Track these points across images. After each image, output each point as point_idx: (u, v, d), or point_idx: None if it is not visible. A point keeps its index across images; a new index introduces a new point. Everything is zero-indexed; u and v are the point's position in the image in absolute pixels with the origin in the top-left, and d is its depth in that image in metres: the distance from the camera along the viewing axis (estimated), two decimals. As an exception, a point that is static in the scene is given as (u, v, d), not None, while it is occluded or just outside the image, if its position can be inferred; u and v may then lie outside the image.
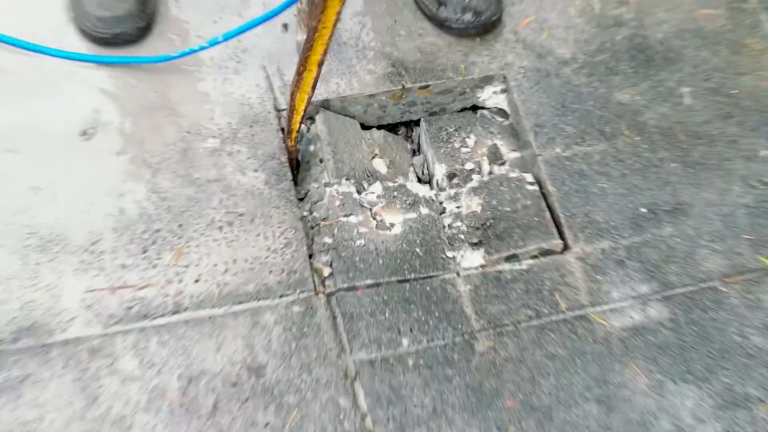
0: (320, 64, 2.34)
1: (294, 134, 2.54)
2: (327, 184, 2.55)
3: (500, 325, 2.36)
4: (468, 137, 2.80)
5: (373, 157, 2.72)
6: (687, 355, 2.34)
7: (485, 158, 2.75)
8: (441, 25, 2.87)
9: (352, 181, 2.57)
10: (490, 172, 2.72)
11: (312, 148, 2.66)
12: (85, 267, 2.34)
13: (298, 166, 2.67)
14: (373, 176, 2.64)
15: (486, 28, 2.87)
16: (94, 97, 2.63)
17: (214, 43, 2.63)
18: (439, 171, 2.72)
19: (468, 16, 2.83)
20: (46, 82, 2.64)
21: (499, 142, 2.79)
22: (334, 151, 2.61)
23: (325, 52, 2.30)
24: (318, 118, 2.68)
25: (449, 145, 2.78)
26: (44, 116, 2.58)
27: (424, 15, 2.91)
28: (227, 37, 2.64)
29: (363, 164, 2.65)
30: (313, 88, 2.40)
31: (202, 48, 2.65)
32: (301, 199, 2.57)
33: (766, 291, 2.46)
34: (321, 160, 2.61)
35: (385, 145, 2.78)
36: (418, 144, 2.89)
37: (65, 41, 2.71)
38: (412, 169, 2.81)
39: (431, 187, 2.74)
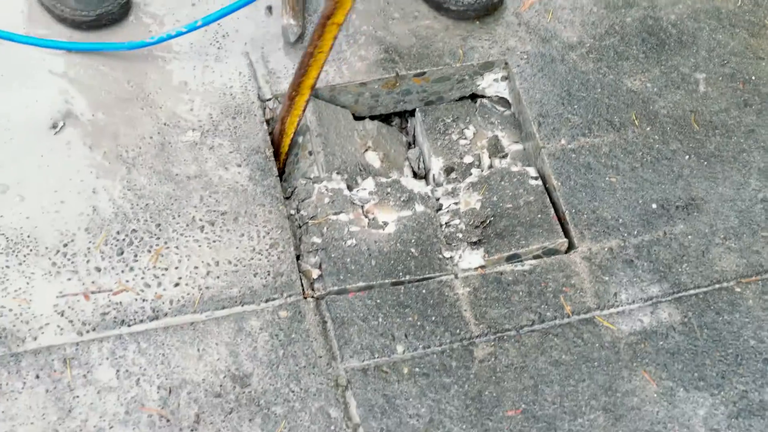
0: (313, 87, 2.48)
1: (283, 156, 2.67)
2: (316, 179, 2.65)
3: (501, 329, 2.48)
4: (467, 128, 2.91)
5: (366, 150, 2.82)
6: (699, 360, 2.46)
7: (485, 151, 2.86)
8: (439, 7, 2.97)
9: (344, 175, 2.67)
10: (491, 166, 2.83)
11: (301, 139, 2.76)
12: (57, 270, 2.45)
13: (285, 159, 2.78)
14: (366, 170, 2.75)
15: (487, 9, 2.97)
16: (64, 87, 2.74)
17: (192, 27, 2.73)
18: (436, 165, 2.83)
19: None
20: (11, 72, 2.75)
21: (500, 134, 2.90)
22: (324, 143, 2.71)
23: (318, 75, 2.44)
24: (307, 107, 2.77)
25: (446, 137, 2.89)
26: (10, 108, 2.69)
27: None
28: (207, 22, 2.73)
29: (355, 157, 2.76)
30: (304, 110, 2.54)
31: (180, 33, 2.75)
32: (287, 198, 2.67)
33: (785, 292, 2.59)
34: (310, 153, 2.71)
35: (379, 137, 2.89)
36: (413, 136, 3.00)
37: (33, 27, 2.82)
38: (407, 163, 2.92)
39: (427, 183, 2.85)
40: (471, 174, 2.79)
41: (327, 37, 2.36)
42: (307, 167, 2.70)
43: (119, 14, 2.84)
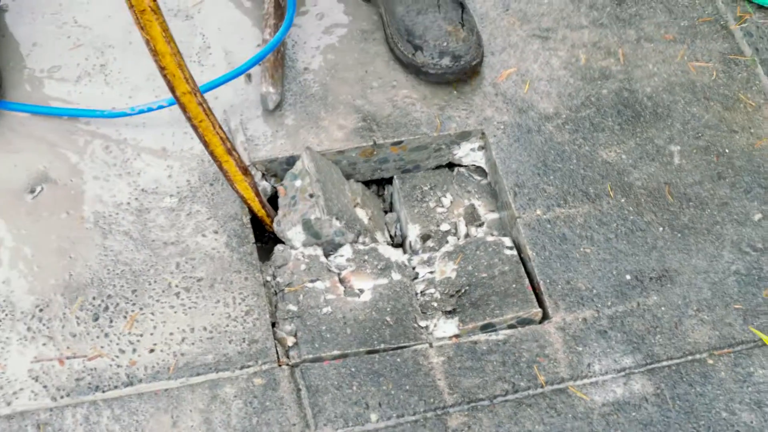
0: (230, 151, 2.53)
1: (266, 218, 2.71)
2: (317, 220, 2.64)
3: (475, 399, 2.50)
4: (444, 196, 2.95)
5: (356, 206, 2.85)
6: (672, 432, 2.49)
7: (462, 219, 2.89)
8: (418, 71, 3.02)
9: (342, 221, 2.67)
10: (467, 234, 2.86)
11: (298, 183, 2.75)
12: (32, 335, 2.47)
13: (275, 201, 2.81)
14: (359, 223, 2.77)
15: (465, 73, 3.01)
16: (43, 151, 2.77)
17: (173, 102, 2.77)
18: (413, 232, 2.87)
19: (446, 61, 2.98)
20: (-9, 135, 2.79)
21: (476, 203, 2.94)
22: (323, 188, 2.71)
23: (225, 139, 2.50)
24: (304, 155, 2.78)
25: (424, 205, 2.92)
26: (-11, 172, 2.73)
27: (399, 62, 3.06)
28: (189, 96, 2.79)
29: (349, 209, 2.78)
30: (245, 172, 2.58)
31: (161, 107, 2.79)
32: (262, 261, 2.71)
33: (757, 364, 2.61)
34: (311, 195, 2.70)
35: (365, 196, 2.92)
36: (390, 203, 3.03)
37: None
38: (385, 227, 2.95)
39: (404, 250, 2.88)
40: (447, 242, 2.83)
41: (190, 107, 2.40)
42: (308, 209, 2.69)
43: None
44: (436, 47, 2.99)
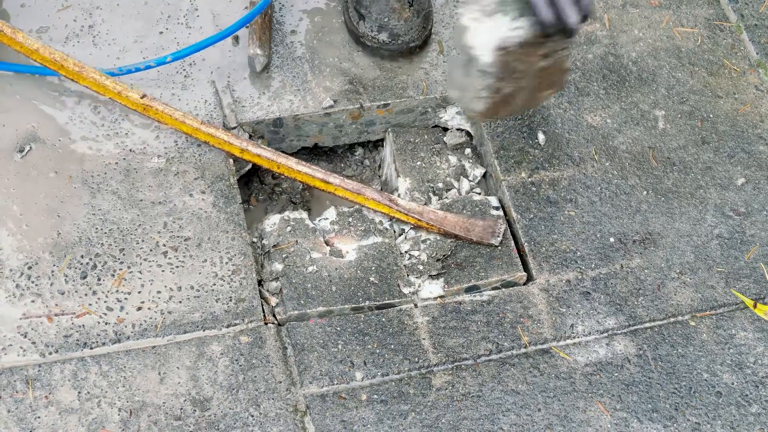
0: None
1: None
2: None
3: (459, 358, 2.54)
4: (436, 154, 2.97)
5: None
6: (653, 392, 2.53)
7: (452, 178, 2.92)
8: (357, 40, 3.06)
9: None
10: (458, 192, 2.89)
11: None
12: (21, 292, 2.50)
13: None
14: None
15: (402, 53, 3.04)
16: (32, 111, 2.79)
17: (161, 62, 2.80)
18: (403, 185, 2.88)
19: (383, 36, 3.01)
20: (-21, 95, 2.81)
21: (467, 163, 2.96)
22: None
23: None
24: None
25: (417, 160, 2.94)
26: (-23, 131, 2.75)
27: (346, 27, 3.10)
28: (176, 57, 2.81)
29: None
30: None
31: (149, 67, 2.82)
32: (249, 223, 2.74)
33: (738, 326, 2.66)
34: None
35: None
36: (381, 161, 3.06)
37: None
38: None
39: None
40: (441, 197, 2.85)
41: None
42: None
43: None
44: (377, 20, 3.01)
